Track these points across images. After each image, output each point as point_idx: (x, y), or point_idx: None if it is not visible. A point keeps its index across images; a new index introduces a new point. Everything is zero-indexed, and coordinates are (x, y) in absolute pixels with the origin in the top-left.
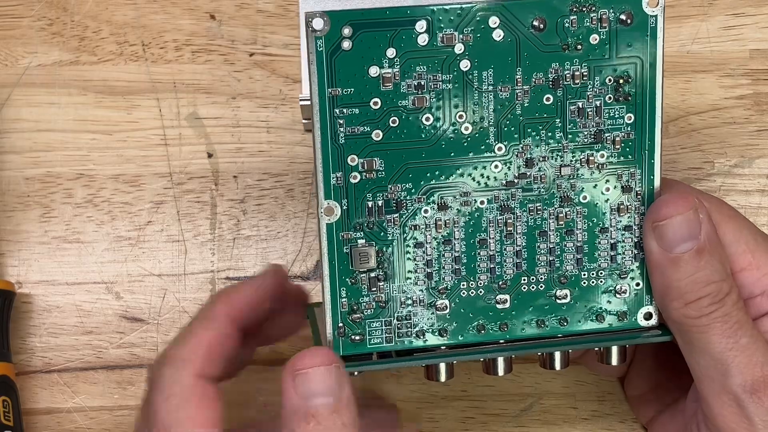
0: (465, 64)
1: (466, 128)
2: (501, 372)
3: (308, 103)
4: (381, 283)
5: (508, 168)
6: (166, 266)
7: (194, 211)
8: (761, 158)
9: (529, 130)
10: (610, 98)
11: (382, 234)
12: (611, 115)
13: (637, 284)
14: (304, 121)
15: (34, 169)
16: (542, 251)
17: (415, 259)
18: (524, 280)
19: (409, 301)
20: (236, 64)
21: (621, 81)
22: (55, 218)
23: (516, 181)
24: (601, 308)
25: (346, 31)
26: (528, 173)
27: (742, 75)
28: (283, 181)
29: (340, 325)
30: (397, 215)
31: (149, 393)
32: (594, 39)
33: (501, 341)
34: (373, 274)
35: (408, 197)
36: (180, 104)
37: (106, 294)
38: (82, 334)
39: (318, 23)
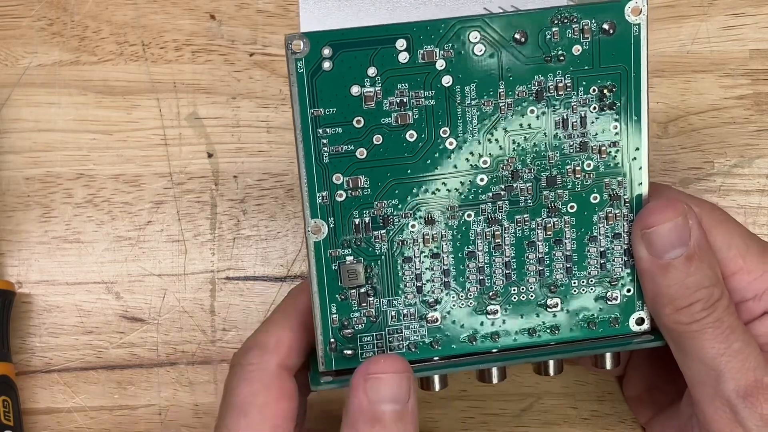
0: (447, 80)
1: (451, 143)
2: (495, 380)
3: None
4: (371, 299)
5: (494, 181)
6: (166, 266)
7: (194, 211)
8: (761, 158)
9: (513, 143)
10: (595, 108)
11: (370, 250)
12: (597, 124)
13: (628, 290)
14: None
15: (34, 169)
16: (531, 261)
17: (404, 274)
18: (514, 290)
19: (400, 315)
20: (236, 64)
21: (605, 90)
22: (55, 218)
23: (502, 193)
24: (592, 315)
25: (326, 51)
26: (514, 185)
27: (742, 75)
28: (283, 181)
29: (332, 340)
30: (384, 231)
31: (230, 377)
32: (577, 50)
33: (493, 350)
34: (362, 290)
35: (395, 213)
36: (180, 104)
37: (106, 294)
38: (82, 334)
39: (297, 45)
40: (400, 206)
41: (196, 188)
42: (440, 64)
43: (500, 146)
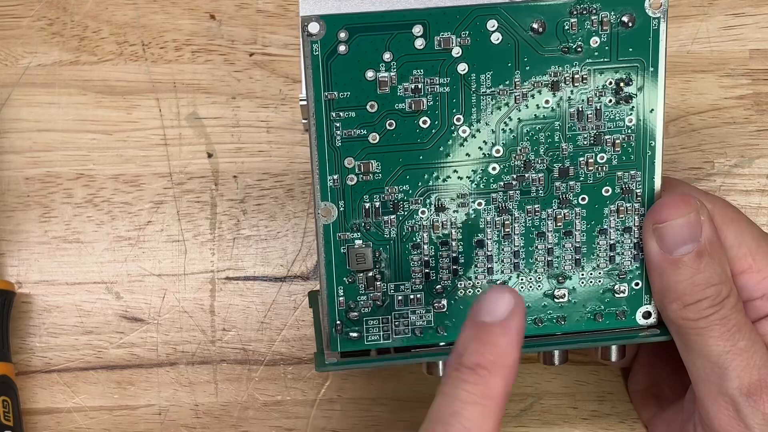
0: (462, 68)
1: (464, 131)
2: None
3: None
4: (378, 283)
5: (506, 170)
6: (166, 266)
7: (194, 211)
8: (761, 158)
9: (527, 133)
10: (610, 101)
11: (379, 235)
12: (612, 117)
13: (636, 284)
14: (303, 121)
15: (34, 169)
16: (540, 251)
17: (412, 260)
18: (522, 279)
19: (407, 300)
20: (236, 64)
21: (622, 84)
22: (55, 218)
23: (514, 183)
24: (599, 307)
25: (342, 35)
26: (526, 175)
27: (742, 75)
28: (283, 181)
29: (338, 322)
30: (394, 217)
31: None
32: (594, 42)
33: None
34: (370, 274)
35: (405, 199)
36: (180, 104)
37: (106, 294)
38: (82, 334)
39: (314, 27)
40: (410, 192)
41: (196, 188)
42: (456, 51)
43: (514, 136)
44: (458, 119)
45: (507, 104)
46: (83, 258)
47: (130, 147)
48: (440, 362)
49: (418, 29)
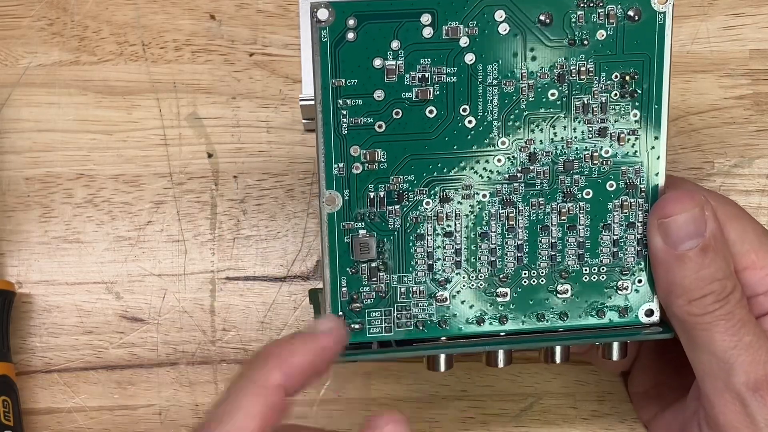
0: (470, 58)
1: (470, 122)
2: (501, 364)
3: (308, 103)
4: (381, 274)
5: (511, 162)
6: (166, 266)
7: (194, 211)
8: (761, 158)
9: (533, 125)
10: (616, 94)
11: (383, 225)
12: (617, 111)
13: (639, 281)
14: (304, 121)
15: (34, 169)
16: (544, 246)
17: (415, 251)
18: (525, 273)
19: (409, 292)
20: (236, 64)
21: (627, 77)
22: (55, 218)
23: (519, 175)
24: (602, 304)
25: (351, 22)
26: (531, 168)
27: (741, 75)
28: (283, 181)
29: (340, 313)
30: (398, 207)
31: None
32: (601, 35)
33: (501, 333)
34: (373, 265)
35: (410, 189)
36: (180, 104)
37: (106, 294)
38: (82, 334)
39: (323, 14)
40: (415, 182)
41: (196, 188)
42: (464, 41)
43: (519, 127)
44: (464, 110)
45: (513, 96)
46: (83, 258)
47: (130, 147)
48: (441, 357)
49: (426, 18)
